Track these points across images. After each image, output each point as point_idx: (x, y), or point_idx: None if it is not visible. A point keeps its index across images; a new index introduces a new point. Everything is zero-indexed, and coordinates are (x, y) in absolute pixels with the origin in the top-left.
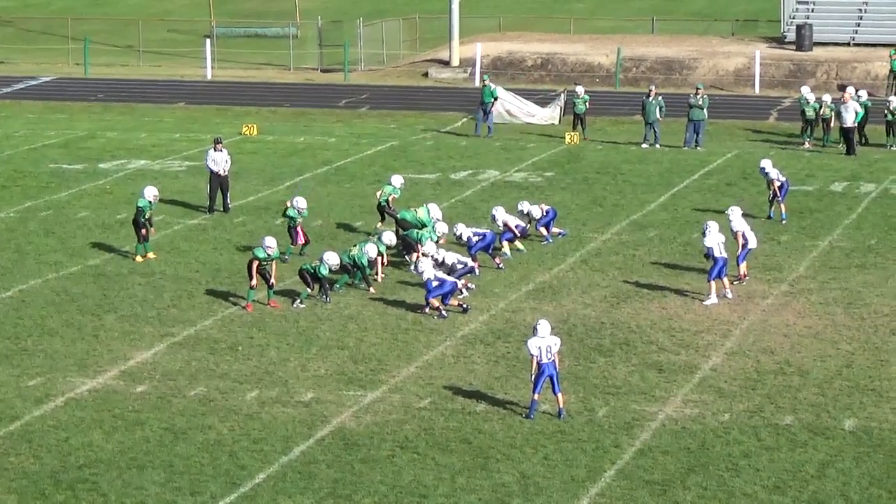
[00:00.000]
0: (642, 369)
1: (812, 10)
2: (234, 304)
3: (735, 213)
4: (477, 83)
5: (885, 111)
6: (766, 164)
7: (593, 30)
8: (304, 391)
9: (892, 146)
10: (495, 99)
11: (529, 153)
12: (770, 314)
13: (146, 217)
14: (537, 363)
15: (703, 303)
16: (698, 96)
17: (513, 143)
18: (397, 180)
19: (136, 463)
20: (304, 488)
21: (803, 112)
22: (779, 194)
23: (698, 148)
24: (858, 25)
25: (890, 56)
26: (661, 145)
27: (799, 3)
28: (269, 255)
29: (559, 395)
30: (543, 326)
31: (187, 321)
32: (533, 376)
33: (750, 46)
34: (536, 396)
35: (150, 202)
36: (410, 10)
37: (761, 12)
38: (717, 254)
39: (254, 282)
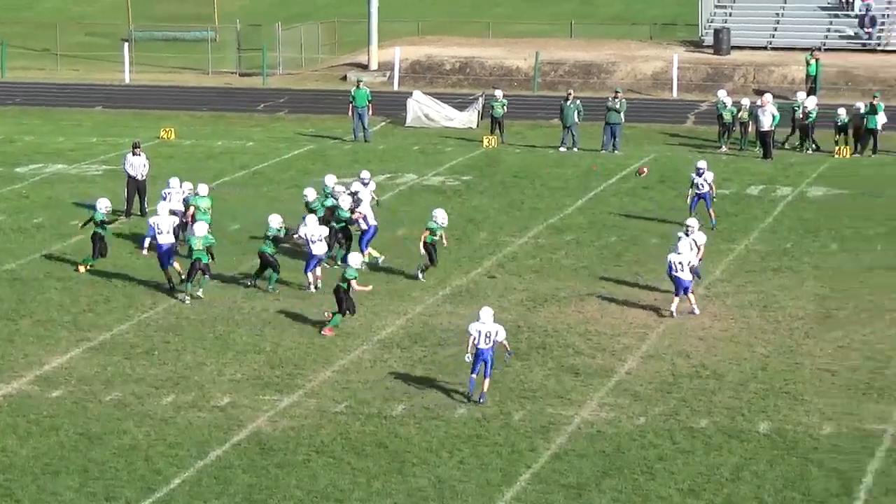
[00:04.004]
0: (558, 373)
1: (730, 15)
2: (151, 308)
3: (693, 227)
4: (396, 87)
5: (799, 113)
6: (703, 164)
7: (512, 34)
8: (221, 396)
9: (808, 150)
10: (370, 102)
11: (447, 157)
12: (686, 318)
13: (101, 227)
14: (474, 344)
15: (692, 312)
16: (616, 100)
17: (431, 147)
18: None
19: (51, 468)
20: (219, 493)
21: (720, 116)
22: (706, 201)
23: (616, 151)
24: (776, 30)
25: (806, 60)
26: (578, 149)
27: (717, 7)
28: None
29: (487, 379)
30: (485, 313)
31: (103, 326)
32: (469, 355)
33: (668, 50)
34: (474, 376)
35: (104, 213)
36: (329, 14)
37: (679, 16)
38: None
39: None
